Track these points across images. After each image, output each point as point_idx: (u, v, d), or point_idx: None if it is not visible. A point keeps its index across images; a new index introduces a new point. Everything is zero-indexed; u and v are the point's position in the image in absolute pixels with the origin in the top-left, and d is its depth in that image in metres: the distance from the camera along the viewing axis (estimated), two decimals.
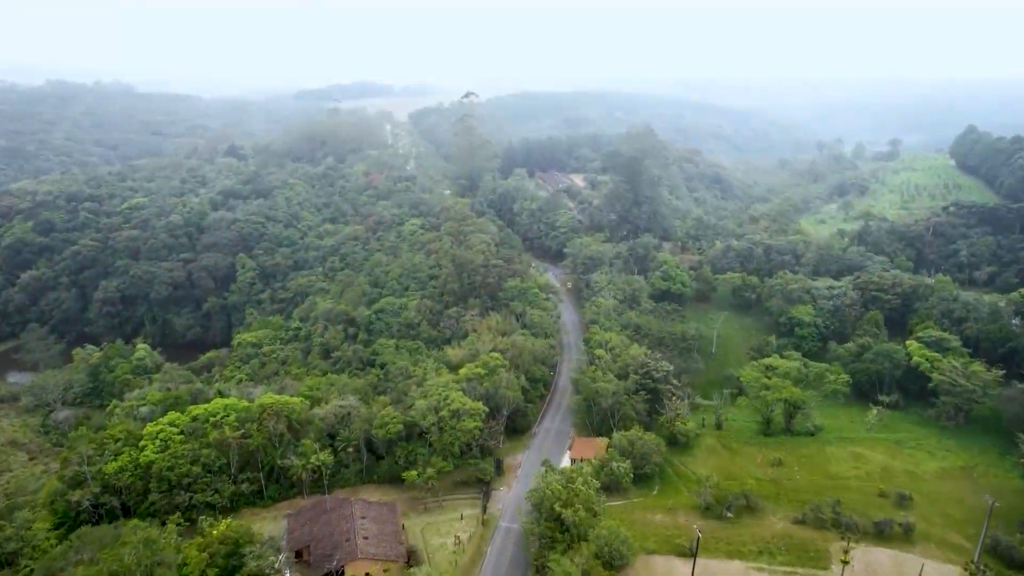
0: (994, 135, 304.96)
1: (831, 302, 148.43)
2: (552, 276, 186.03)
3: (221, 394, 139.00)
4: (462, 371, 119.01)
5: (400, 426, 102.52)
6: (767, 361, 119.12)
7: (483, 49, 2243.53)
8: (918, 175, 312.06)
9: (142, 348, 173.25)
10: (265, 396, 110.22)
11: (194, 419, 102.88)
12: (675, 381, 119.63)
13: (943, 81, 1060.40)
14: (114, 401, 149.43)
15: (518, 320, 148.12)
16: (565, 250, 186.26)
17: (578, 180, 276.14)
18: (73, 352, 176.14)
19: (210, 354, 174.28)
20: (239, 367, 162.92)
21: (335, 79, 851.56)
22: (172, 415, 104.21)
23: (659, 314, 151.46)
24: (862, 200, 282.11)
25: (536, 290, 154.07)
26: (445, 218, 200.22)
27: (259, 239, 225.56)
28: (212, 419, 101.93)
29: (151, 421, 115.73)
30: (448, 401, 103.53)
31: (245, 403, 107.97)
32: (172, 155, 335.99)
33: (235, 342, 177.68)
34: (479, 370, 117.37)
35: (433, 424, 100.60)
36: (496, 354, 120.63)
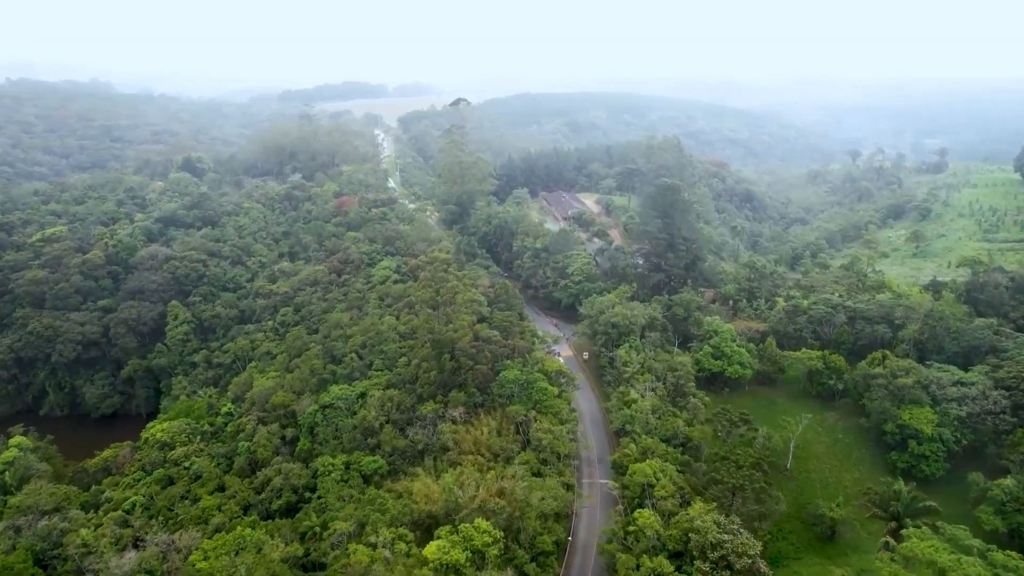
0: None
1: (962, 406, 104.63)
2: (562, 349, 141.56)
3: (85, 547, 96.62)
4: (432, 552, 75.61)
5: None
6: (914, 545, 74.52)
7: (482, 48, 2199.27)
8: (983, 193, 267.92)
9: (16, 442, 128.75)
10: None
11: None
12: (765, 569, 75.92)
13: (959, 81, 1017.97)
14: None
15: (519, 431, 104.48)
16: (581, 310, 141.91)
17: (590, 202, 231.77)
18: None
19: (107, 452, 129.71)
20: (137, 481, 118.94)
21: (325, 78, 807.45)
22: None
23: (720, 421, 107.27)
24: (926, 225, 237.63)
25: (544, 384, 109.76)
26: (424, 263, 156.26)
27: (198, 281, 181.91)
28: None
29: None
30: None
31: None
32: (119, 168, 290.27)
33: (144, 436, 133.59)
34: (457, 555, 74.07)
35: None
36: (485, 526, 76.89)
